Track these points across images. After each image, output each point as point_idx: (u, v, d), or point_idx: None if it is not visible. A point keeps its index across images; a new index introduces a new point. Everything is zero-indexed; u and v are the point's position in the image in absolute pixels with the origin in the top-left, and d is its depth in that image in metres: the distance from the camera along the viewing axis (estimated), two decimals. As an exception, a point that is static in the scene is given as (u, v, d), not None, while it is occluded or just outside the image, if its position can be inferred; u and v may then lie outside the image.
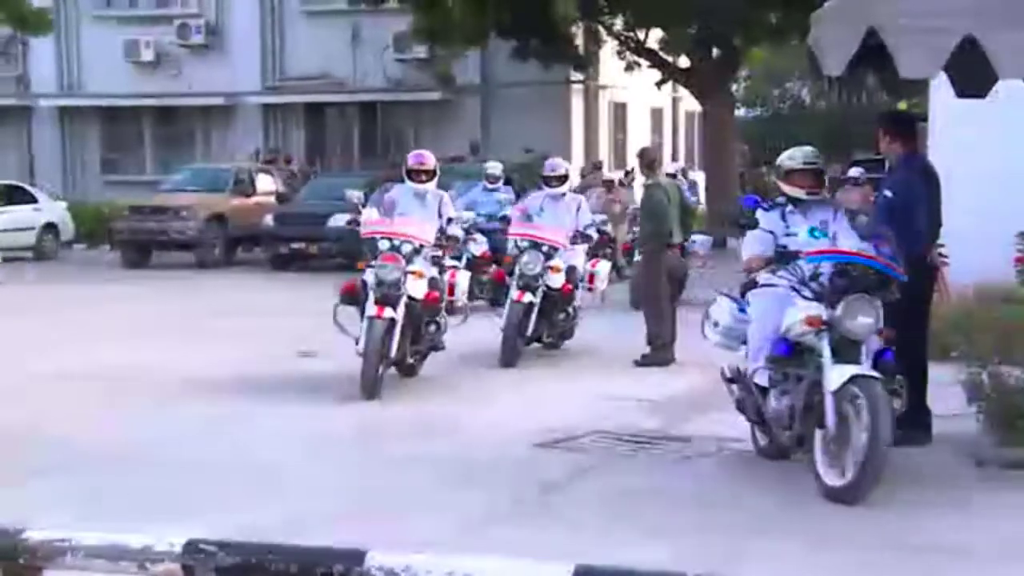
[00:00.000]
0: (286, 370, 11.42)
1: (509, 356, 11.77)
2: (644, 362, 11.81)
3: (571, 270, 12.35)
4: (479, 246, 15.66)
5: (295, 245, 22.89)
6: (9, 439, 8.48)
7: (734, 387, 7.92)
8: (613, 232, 19.10)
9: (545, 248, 12.15)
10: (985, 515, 6.66)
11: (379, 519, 6.57)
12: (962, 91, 8.48)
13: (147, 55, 32.46)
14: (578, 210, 13.03)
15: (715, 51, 28.75)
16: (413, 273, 10.26)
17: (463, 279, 11.46)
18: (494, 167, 17.78)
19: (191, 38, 32.17)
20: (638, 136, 33.16)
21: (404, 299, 10.16)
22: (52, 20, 28.73)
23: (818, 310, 7.08)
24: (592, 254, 13.44)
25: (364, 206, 11.19)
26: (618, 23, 28.37)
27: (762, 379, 7.53)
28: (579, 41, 28.93)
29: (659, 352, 11.89)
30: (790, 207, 7.74)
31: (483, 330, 11.80)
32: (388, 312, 10.03)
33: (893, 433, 6.76)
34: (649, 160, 12.79)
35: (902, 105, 27.72)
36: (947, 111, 12.57)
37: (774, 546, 6.15)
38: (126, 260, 24.02)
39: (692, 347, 10.55)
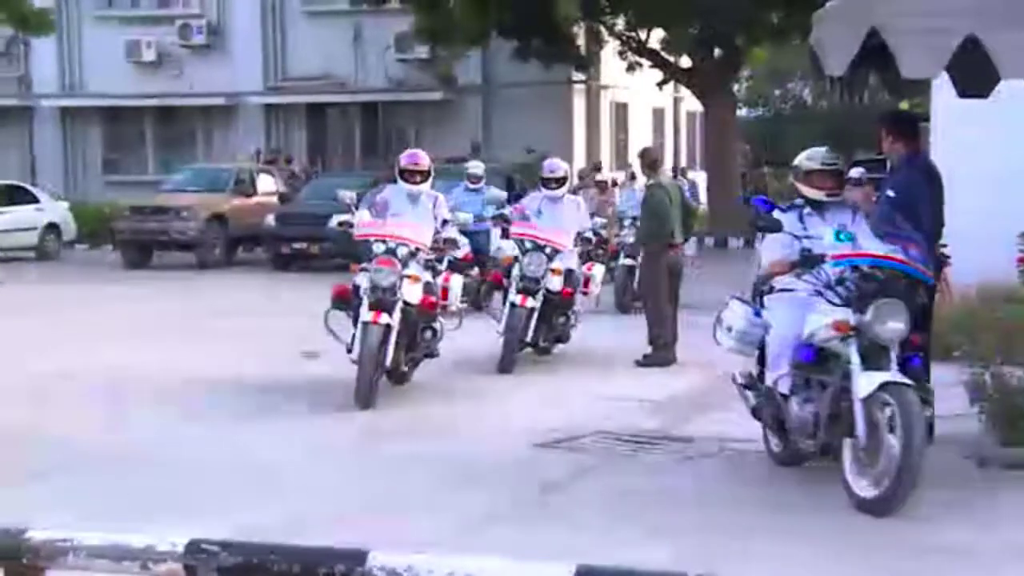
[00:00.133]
0: (287, 370, 11.40)
1: (508, 361, 11.46)
2: (645, 362, 11.78)
3: (569, 273, 12.11)
4: (461, 248, 15.42)
5: (296, 245, 22.85)
6: (10, 439, 8.48)
7: (749, 393, 7.70)
8: (607, 234, 18.97)
9: (548, 250, 11.91)
10: (987, 515, 6.65)
11: (380, 519, 6.57)
12: (964, 91, 8.47)
13: (148, 55, 32.48)
14: (577, 212, 12.78)
15: (717, 51, 28.77)
16: (409, 277, 9.91)
17: (456, 283, 10.85)
18: (476, 167, 17.30)
19: (192, 38, 32.20)
20: (640, 136, 33.17)
21: (400, 304, 9.84)
22: (54, 20, 28.76)
23: (845, 315, 6.85)
24: (587, 257, 13.11)
25: (357, 207, 10.76)
26: (620, 23, 28.38)
27: (784, 386, 7.29)
28: (581, 41, 28.95)
29: (661, 352, 11.86)
30: (807, 209, 7.58)
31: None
32: (384, 318, 9.68)
33: (925, 442, 6.56)
34: (650, 160, 12.77)
35: (904, 105, 27.67)
36: (949, 111, 12.55)
37: (775, 546, 6.14)
38: (127, 260, 23.99)
39: (693, 347, 10.58)
